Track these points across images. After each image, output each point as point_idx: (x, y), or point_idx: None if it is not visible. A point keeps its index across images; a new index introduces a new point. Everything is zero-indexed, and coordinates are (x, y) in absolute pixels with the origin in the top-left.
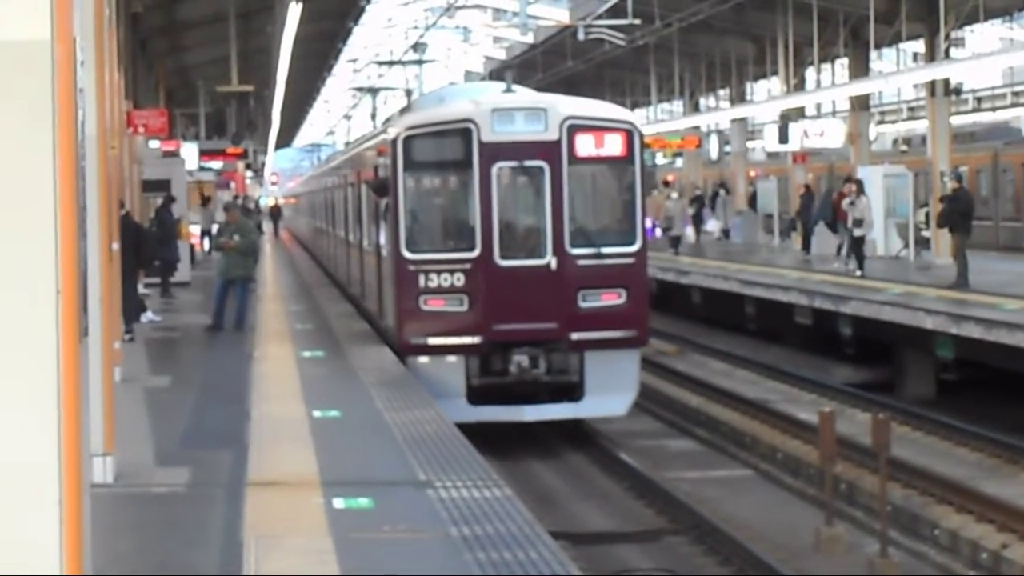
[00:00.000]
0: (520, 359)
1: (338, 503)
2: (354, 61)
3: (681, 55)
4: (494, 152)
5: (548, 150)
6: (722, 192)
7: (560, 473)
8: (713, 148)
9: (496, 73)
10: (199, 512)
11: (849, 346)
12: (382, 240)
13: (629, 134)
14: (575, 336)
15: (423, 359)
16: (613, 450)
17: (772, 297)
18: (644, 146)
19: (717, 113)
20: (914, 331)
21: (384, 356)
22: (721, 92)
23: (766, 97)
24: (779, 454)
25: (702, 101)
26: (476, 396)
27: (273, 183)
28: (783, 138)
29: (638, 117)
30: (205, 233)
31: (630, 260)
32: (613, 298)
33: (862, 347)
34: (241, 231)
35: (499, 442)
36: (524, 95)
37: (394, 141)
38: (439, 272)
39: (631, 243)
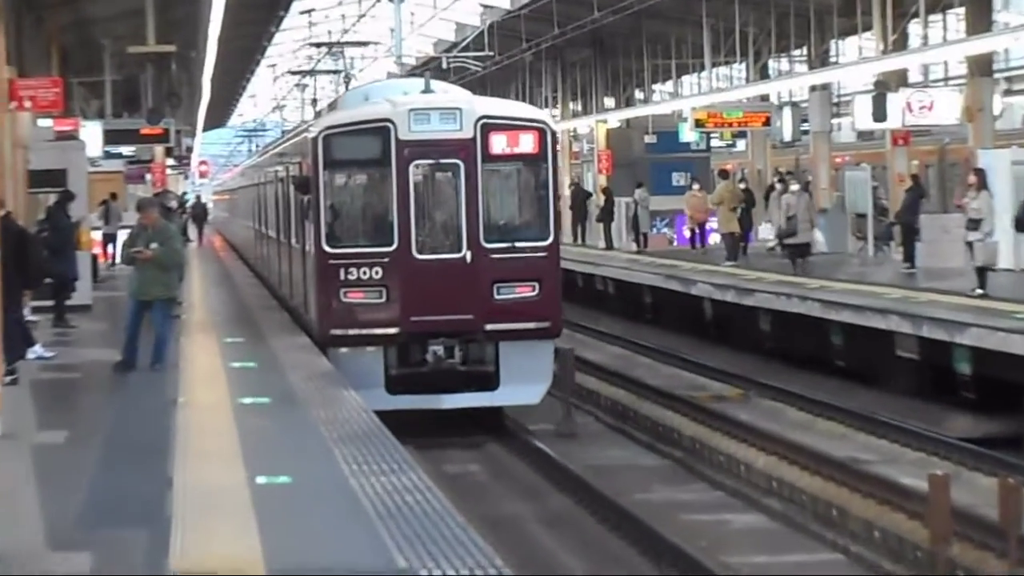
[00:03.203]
0: (437, 349)
1: None
2: (310, 12)
3: (744, 3)
4: (411, 150)
5: (463, 148)
6: (779, 186)
7: (587, 556)
8: (786, 126)
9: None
10: None
11: (968, 388)
12: (306, 236)
13: (542, 133)
14: (490, 327)
15: (344, 350)
16: (657, 527)
17: (865, 323)
18: (556, 144)
19: (791, 79)
20: None
21: (352, 403)
22: (796, 52)
23: (856, 58)
24: (876, 532)
25: (771, 64)
26: (395, 385)
27: (202, 174)
28: (879, 113)
29: (687, 84)
30: (110, 240)
31: (543, 254)
32: (527, 291)
33: (985, 389)
34: (161, 238)
35: (510, 521)
36: (440, 95)
37: (315, 139)
38: (358, 266)
39: (543, 238)
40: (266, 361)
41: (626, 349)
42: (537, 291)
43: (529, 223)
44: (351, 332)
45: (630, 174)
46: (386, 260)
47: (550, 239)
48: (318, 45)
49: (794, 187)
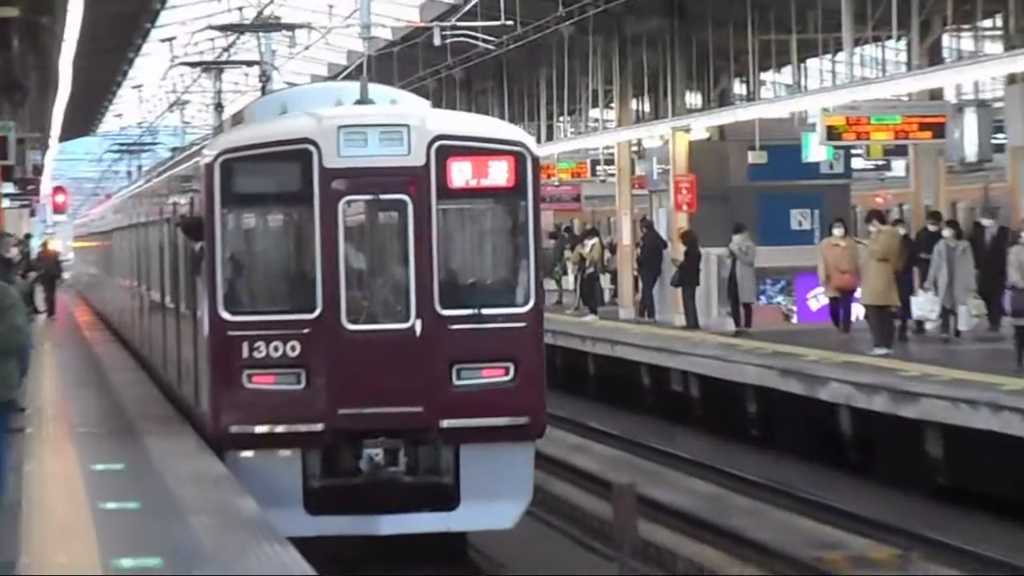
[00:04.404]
0: (374, 454)
1: None
2: None
3: None
4: (341, 182)
5: (412, 180)
6: (947, 233)
7: None
8: (969, 138)
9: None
10: None
11: None
12: (197, 298)
13: (519, 159)
14: (447, 424)
15: (246, 454)
16: None
17: None
18: (538, 174)
19: (977, 65)
20: None
21: (289, 563)
22: (986, 23)
23: None
24: None
25: (946, 41)
26: (317, 502)
27: (58, 208)
28: None
29: (815, 72)
30: None
31: (520, 324)
32: (498, 374)
33: None
34: None
35: None
36: (382, 108)
37: (210, 166)
38: (268, 339)
39: (521, 302)
40: (155, 499)
41: (718, 484)
42: (512, 375)
43: (502, 282)
44: (257, 429)
45: (725, 212)
46: (306, 331)
47: (530, 303)
48: (223, 28)
49: None
